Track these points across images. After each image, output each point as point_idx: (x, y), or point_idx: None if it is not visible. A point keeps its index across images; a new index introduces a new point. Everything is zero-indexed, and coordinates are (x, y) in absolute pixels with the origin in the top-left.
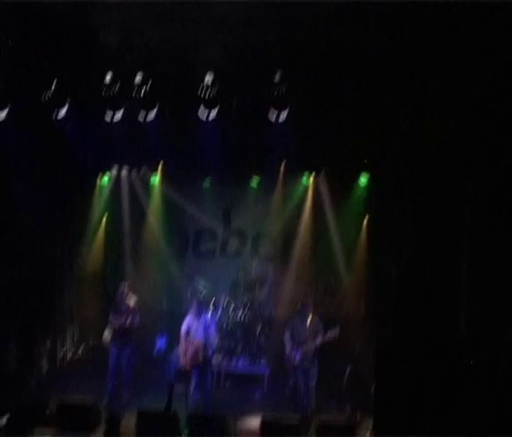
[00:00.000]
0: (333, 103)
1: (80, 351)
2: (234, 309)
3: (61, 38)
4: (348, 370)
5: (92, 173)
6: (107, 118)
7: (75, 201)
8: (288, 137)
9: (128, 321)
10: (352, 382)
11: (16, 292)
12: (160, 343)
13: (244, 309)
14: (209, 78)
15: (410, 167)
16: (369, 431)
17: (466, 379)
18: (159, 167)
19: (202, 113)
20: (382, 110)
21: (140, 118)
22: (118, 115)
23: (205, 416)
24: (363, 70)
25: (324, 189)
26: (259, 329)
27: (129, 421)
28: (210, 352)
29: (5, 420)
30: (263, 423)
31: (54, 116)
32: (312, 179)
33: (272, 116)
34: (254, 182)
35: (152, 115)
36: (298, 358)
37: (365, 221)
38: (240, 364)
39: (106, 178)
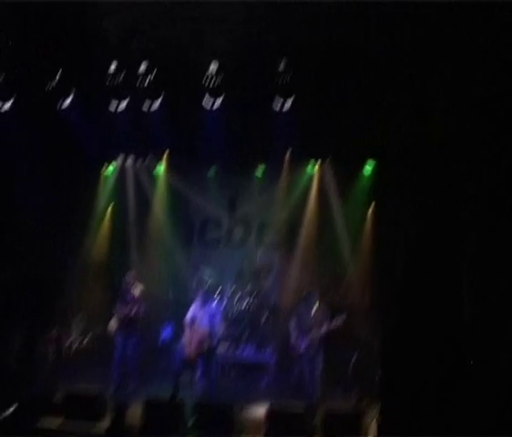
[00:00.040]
0: (338, 91)
1: (86, 341)
2: (240, 298)
3: (65, 28)
4: (354, 357)
5: (97, 163)
6: (112, 108)
7: (80, 191)
8: (293, 125)
9: (134, 311)
10: (357, 370)
11: (21, 283)
12: (166, 333)
13: (250, 298)
14: (213, 67)
15: (416, 154)
16: (375, 419)
17: (472, 367)
18: (164, 157)
19: (207, 102)
20: (387, 98)
21: (145, 108)
22: (123, 104)
23: (211, 405)
24: (368, 58)
25: (329, 178)
26: (264, 317)
27: (136, 410)
28: (216, 341)
29: (12, 409)
30: (269, 412)
31: (58, 107)
32: (317, 168)
33: (277, 105)
34: (259, 171)
35: (157, 104)
36: (304, 346)
37: (371, 209)
38: (246, 353)
39: (111, 168)
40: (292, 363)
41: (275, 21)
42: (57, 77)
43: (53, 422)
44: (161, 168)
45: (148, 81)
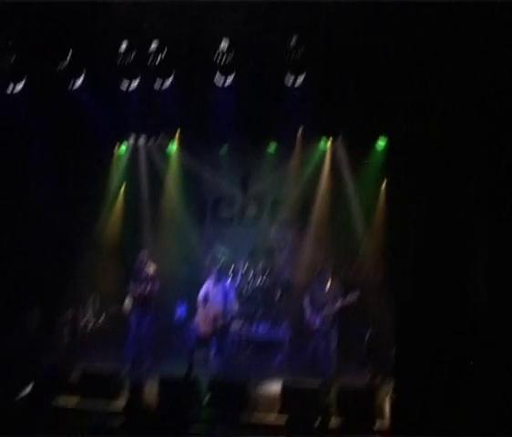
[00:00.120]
0: (350, 66)
1: (101, 321)
2: (253, 276)
3: (76, 8)
4: (368, 333)
5: (109, 143)
6: (123, 88)
7: (92, 171)
8: (305, 102)
9: (148, 289)
10: (372, 346)
11: (35, 265)
12: (180, 311)
13: (263, 275)
14: (224, 45)
15: (428, 130)
16: (389, 395)
17: (486, 343)
18: (176, 135)
19: (218, 79)
20: (399, 73)
21: (156, 87)
22: (134, 84)
23: (225, 382)
24: (380, 34)
25: (342, 154)
26: (278, 294)
27: (151, 389)
28: (230, 319)
29: (28, 389)
30: (284, 388)
31: (70, 87)
32: (329, 144)
33: (289, 82)
34: (272, 148)
35: (168, 82)
36: (318, 322)
37: (383, 185)
38: (260, 330)
39: (123, 148)
40: (306, 340)
41: None
42: (68, 58)
43: (69, 401)
44: (173, 147)
45: (158, 60)
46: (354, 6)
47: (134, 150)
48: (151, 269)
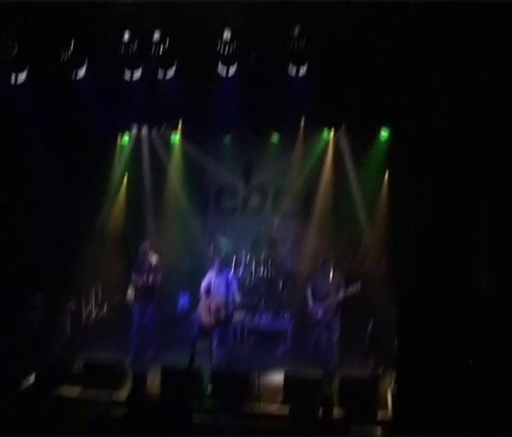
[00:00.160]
0: (353, 57)
1: (104, 311)
2: (256, 266)
3: None
4: (371, 324)
5: (112, 133)
6: (126, 78)
7: (95, 162)
8: (308, 92)
9: (151, 279)
10: (374, 337)
11: (38, 255)
12: (183, 301)
13: (266, 266)
14: (227, 35)
15: (431, 120)
16: (391, 385)
17: (488, 333)
18: (179, 126)
19: (221, 70)
20: (402, 64)
21: (159, 77)
22: (137, 74)
23: (228, 372)
24: (384, 25)
25: (345, 145)
26: (281, 284)
27: (154, 379)
28: (232, 309)
29: (31, 379)
30: (286, 378)
31: (72, 77)
32: (332, 135)
33: (292, 72)
34: (274, 138)
35: (171, 72)
36: (320, 313)
37: (386, 176)
38: (263, 321)
39: (126, 138)
40: (309, 331)
41: None
42: (71, 48)
43: (72, 391)
44: (176, 138)
45: (161, 50)
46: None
47: (137, 141)
48: (153, 259)
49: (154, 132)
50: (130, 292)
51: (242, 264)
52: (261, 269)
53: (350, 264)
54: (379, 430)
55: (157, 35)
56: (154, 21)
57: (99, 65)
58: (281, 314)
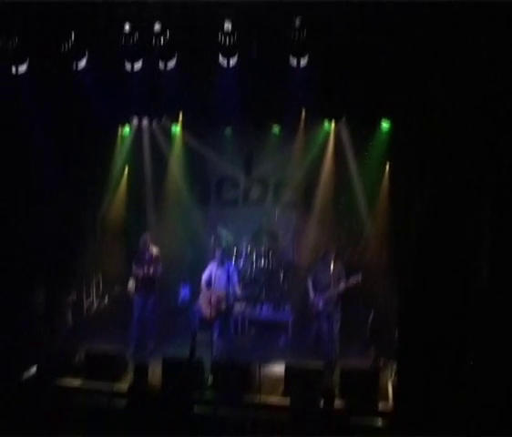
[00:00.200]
0: (354, 48)
1: (105, 302)
2: (257, 257)
3: None
4: (371, 315)
5: (113, 124)
6: (127, 69)
7: (96, 153)
8: (308, 83)
9: (152, 271)
10: (375, 328)
11: (39, 247)
12: (184, 293)
13: (267, 257)
14: (227, 26)
15: (432, 111)
16: (392, 376)
17: (488, 325)
18: (180, 117)
19: (222, 61)
20: (403, 55)
21: (160, 68)
22: (138, 65)
23: (229, 364)
24: (385, 16)
25: (346, 136)
26: (282, 276)
27: (155, 370)
28: (233, 301)
29: (33, 370)
30: (287, 370)
31: (73, 68)
32: (333, 126)
33: (292, 64)
34: (275, 130)
35: (172, 64)
36: (321, 304)
37: (387, 167)
38: (264, 312)
39: (127, 129)
40: (310, 322)
41: None
42: (72, 39)
43: (73, 383)
44: (177, 129)
45: (162, 41)
46: None
47: (138, 132)
48: (154, 250)
49: (155, 123)
50: (131, 284)
51: (243, 256)
52: (262, 260)
53: (351, 255)
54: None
55: (157, 27)
56: (155, 12)
57: (100, 56)
58: (281, 306)
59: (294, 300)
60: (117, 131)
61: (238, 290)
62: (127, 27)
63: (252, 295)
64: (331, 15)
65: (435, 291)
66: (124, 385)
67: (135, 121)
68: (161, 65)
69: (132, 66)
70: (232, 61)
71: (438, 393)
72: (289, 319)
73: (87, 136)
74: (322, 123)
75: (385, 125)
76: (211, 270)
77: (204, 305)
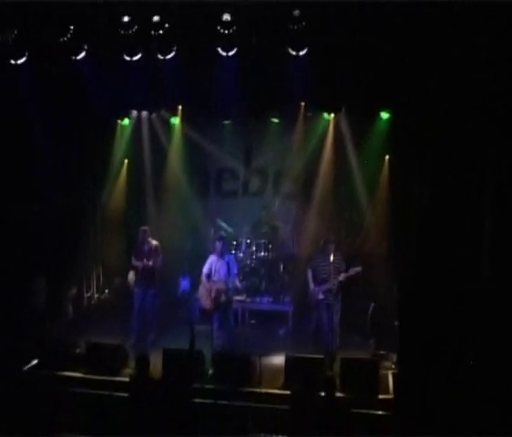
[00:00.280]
0: (353, 39)
1: (106, 294)
2: (257, 248)
3: None
4: (372, 306)
5: (112, 116)
6: (126, 61)
7: (96, 144)
8: (308, 74)
9: (152, 262)
10: (375, 319)
11: (39, 238)
12: (184, 284)
13: (267, 248)
14: (226, 18)
15: (431, 101)
16: (392, 367)
17: (489, 317)
18: (179, 109)
19: (221, 53)
20: (403, 47)
21: (159, 60)
22: (137, 56)
23: (229, 355)
24: (384, 7)
25: (345, 126)
26: (282, 267)
27: (155, 362)
28: (233, 292)
29: (35, 362)
30: (288, 361)
31: (72, 60)
32: (332, 116)
33: (292, 55)
34: (274, 121)
35: (171, 55)
36: (321, 295)
37: (387, 157)
38: (264, 302)
39: (126, 121)
40: (310, 313)
41: None
42: (71, 30)
43: (74, 375)
44: (176, 121)
45: (161, 32)
46: None
47: (137, 123)
48: (154, 242)
49: (154, 115)
50: (131, 276)
51: (243, 247)
52: (262, 251)
53: (351, 246)
54: None
55: (156, 18)
56: (154, 4)
57: (99, 48)
58: (281, 297)
59: (294, 292)
60: (116, 123)
61: (238, 282)
62: (125, 19)
63: (252, 286)
64: (330, 7)
65: (436, 282)
66: (125, 376)
67: (134, 113)
68: (161, 56)
69: (131, 58)
70: (232, 52)
71: (438, 384)
72: (289, 310)
73: (86, 127)
74: (322, 114)
75: (385, 115)
76: (211, 262)
77: (204, 297)
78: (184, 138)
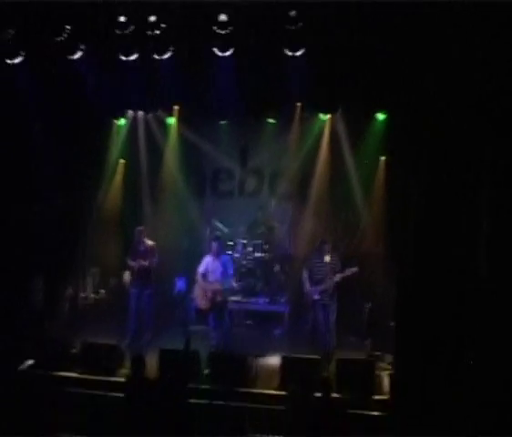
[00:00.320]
0: (350, 40)
1: (101, 294)
2: (253, 249)
3: None
4: (368, 306)
5: (109, 115)
6: (123, 61)
7: (92, 144)
8: (304, 75)
9: (147, 263)
10: (371, 319)
11: (36, 238)
12: (180, 284)
13: (263, 248)
14: (223, 18)
15: (428, 102)
16: (388, 368)
17: (487, 316)
18: (176, 109)
19: (218, 53)
20: (399, 47)
21: (156, 60)
22: (133, 56)
23: (225, 355)
24: (381, 9)
25: (341, 127)
26: (278, 267)
27: (151, 361)
28: (229, 293)
29: (30, 361)
30: (284, 361)
31: (69, 59)
32: (328, 117)
33: (288, 55)
34: (271, 121)
35: (167, 55)
36: (317, 295)
37: (383, 158)
38: (260, 303)
39: (122, 121)
40: (306, 313)
41: None
42: (67, 30)
43: (70, 375)
44: (173, 120)
45: (158, 32)
46: None
47: (133, 123)
48: (149, 242)
49: (150, 115)
50: (127, 276)
51: (239, 247)
52: (258, 251)
53: (347, 247)
54: None
55: (153, 18)
56: (150, 4)
57: (96, 48)
58: (277, 297)
59: (290, 292)
60: (112, 123)
61: (234, 282)
62: (122, 19)
63: (248, 287)
64: (326, 8)
65: (433, 282)
66: (121, 377)
67: (130, 113)
68: (157, 56)
69: (128, 58)
70: (228, 53)
71: (435, 385)
72: (285, 310)
73: (83, 126)
74: (318, 114)
75: (381, 115)
76: (207, 262)
77: (200, 297)
78: (180, 138)
